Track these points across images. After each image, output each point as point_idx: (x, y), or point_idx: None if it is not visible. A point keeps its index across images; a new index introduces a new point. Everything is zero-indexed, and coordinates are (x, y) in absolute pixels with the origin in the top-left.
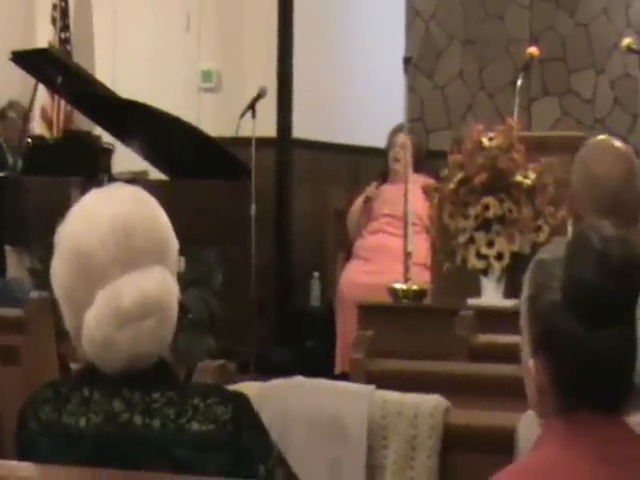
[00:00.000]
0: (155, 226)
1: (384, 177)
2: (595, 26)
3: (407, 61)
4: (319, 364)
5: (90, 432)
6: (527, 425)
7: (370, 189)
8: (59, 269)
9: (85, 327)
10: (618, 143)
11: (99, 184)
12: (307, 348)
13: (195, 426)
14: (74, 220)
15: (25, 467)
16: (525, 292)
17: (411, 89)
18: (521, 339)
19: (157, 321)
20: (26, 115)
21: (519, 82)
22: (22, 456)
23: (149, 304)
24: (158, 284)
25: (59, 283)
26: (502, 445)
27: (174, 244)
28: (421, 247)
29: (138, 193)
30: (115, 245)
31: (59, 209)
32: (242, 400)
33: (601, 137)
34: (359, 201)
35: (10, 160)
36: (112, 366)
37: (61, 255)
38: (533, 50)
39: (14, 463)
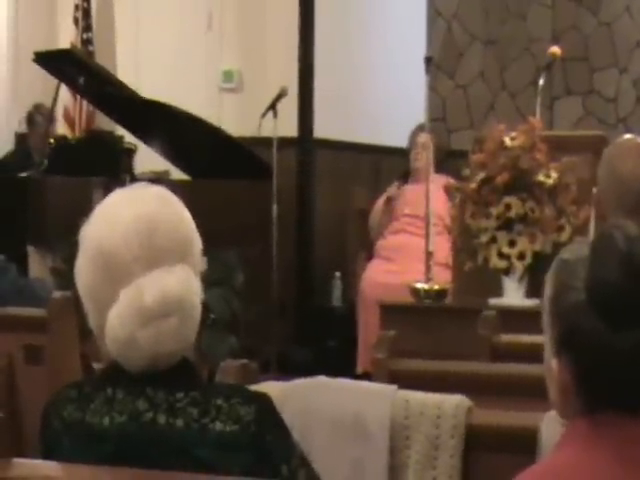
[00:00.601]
0: (178, 225)
1: (405, 177)
2: (618, 25)
3: (428, 61)
4: (340, 364)
5: (113, 431)
6: (550, 425)
7: (391, 189)
8: (83, 268)
9: (108, 326)
10: None
11: (121, 184)
12: (328, 348)
13: (218, 426)
14: (98, 220)
15: (49, 466)
16: (548, 292)
17: (432, 89)
18: (543, 339)
19: (179, 320)
20: (51, 117)
21: (541, 82)
22: (46, 455)
23: (171, 303)
24: (181, 283)
25: (83, 282)
26: (525, 445)
27: (198, 244)
28: (442, 247)
29: (162, 193)
30: (138, 244)
31: (81, 209)
32: (265, 400)
33: (627, 136)
34: (380, 201)
35: (37, 161)
36: (135, 364)
37: (85, 254)
38: (555, 49)
39: (38, 462)
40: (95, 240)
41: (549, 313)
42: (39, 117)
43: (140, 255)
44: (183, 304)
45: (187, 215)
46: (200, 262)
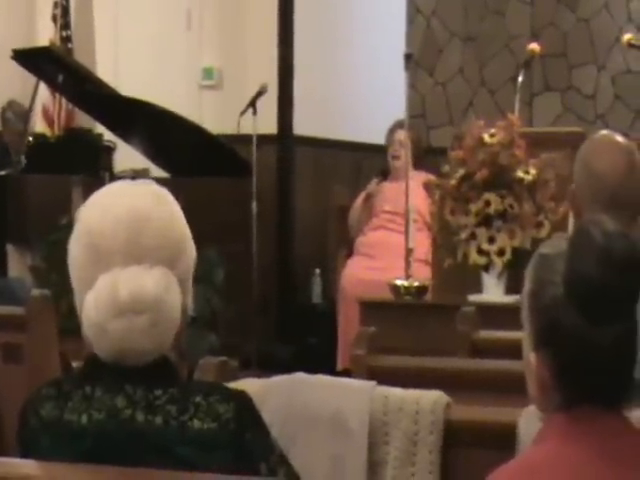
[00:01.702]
0: (169, 229)
1: (385, 174)
2: (596, 21)
3: (408, 58)
4: (321, 361)
5: (92, 429)
6: (528, 420)
7: (371, 186)
8: (72, 246)
9: (85, 306)
10: (620, 138)
11: (100, 182)
12: (309, 345)
13: (197, 424)
14: (94, 203)
15: (27, 464)
16: (527, 287)
17: (412, 86)
18: (523, 334)
19: (151, 320)
20: (26, 114)
21: (520, 78)
22: (24, 454)
23: (144, 301)
24: (157, 284)
25: (71, 260)
26: (503, 440)
27: (188, 250)
28: (422, 244)
29: (161, 193)
30: (125, 237)
31: (61, 207)
32: (244, 398)
33: (603, 132)
34: (360, 198)
35: (14, 159)
36: (104, 352)
37: (75, 234)
38: (534, 46)
39: (16, 460)
40: (86, 222)
41: (528, 308)
42: (11, 114)
43: (124, 248)
44: (158, 305)
45: (181, 221)
46: (188, 270)
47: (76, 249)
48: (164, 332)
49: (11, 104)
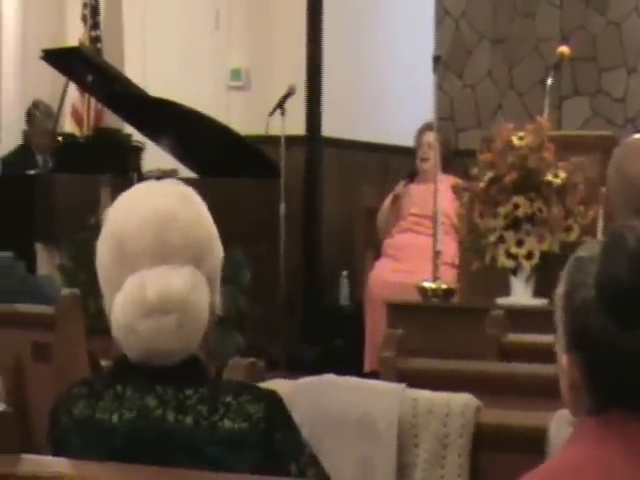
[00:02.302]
0: (195, 228)
1: (412, 176)
2: (626, 25)
3: (437, 60)
4: (347, 363)
5: (123, 428)
6: (559, 424)
7: (398, 188)
8: (100, 249)
9: (114, 309)
10: None
11: (129, 182)
12: (335, 346)
13: (227, 424)
14: (120, 205)
15: (57, 462)
16: (561, 288)
17: (440, 88)
18: (555, 335)
19: (179, 319)
20: (49, 113)
21: (549, 81)
22: (55, 452)
23: (172, 301)
24: (185, 284)
25: (99, 262)
26: (533, 445)
27: (215, 250)
28: (449, 246)
29: (188, 193)
30: (152, 236)
31: (89, 206)
32: (274, 398)
33: (637, 136)
34: (388, 200)
35: (39, 159)
36: (134, 353)
37: (102, 236)
38: (563, 49)
39: (47, 458)
40: (112, 223)
41: (561, 309)
42: (38, 114)
43: (150, 248)
44: (185, 306)
45: (208, 220)
46: (215, 270)
47: (103, 251)
48: (192, 332)
49: (37, 104)
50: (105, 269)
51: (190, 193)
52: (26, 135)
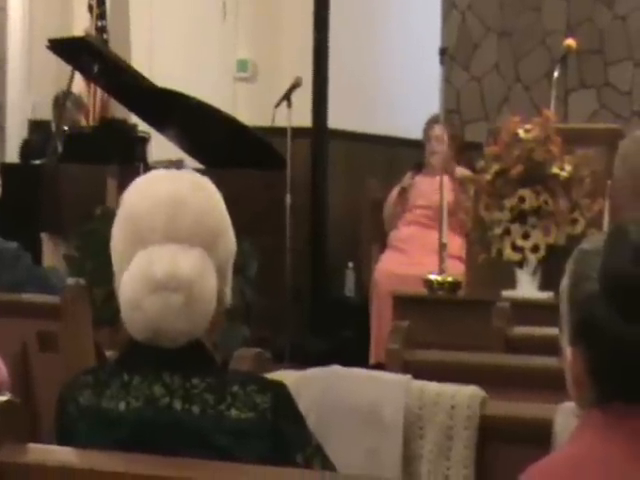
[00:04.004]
0: (207, 215)
1: (419, 168)
2: (633, 18)
3: (443, 52)
4: (353, 354)
5: (130, 416)
6: (564, 417)
7: (405, 179)
8: (114, 230)
9: (121, 286)
10: None
11: (135, 173)
12: (341, 338)
13: (234, 413)
14: (136, 188)
15: (64, 451)
16: (566, 280)
17: (447, 80)
18: (560, 328)
19: (186, 299)
20: (80, 104)
21: (555, 74)
22: (61, 441)
23: (180, 280)
24: (194, 264)
25: (112, 243)
26: (539, 436)
27: (227, 240)
28: (455, 239)
29: (201, 181)
30: (164, 217)
31: (95, 196)
32: (281, 389)
33: None
34: (394, 192)
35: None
36: (140, 332)
37: (117, 218)
38: (570, 42)
39: (53, 447)
40: (127, 204)
41: (566, 302)
42: (69, 104)
43: (162, 228)
44: (192, 286)
45: (219, 209)
46: (225, 259)
47: (117, 231)
48: (198, 313)
49: (67, 94)
50: (117, 247)
51: (204, 181)
52: (48, 124)
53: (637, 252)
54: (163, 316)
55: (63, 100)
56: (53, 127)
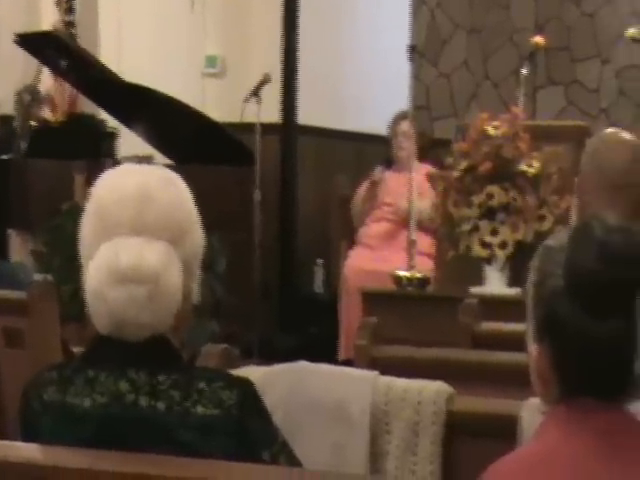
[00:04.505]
0: (175, 210)
1: (389, 163)
2: (600, 16)
3: (412, 49)
4: (322, 350)
5: (95, 412)
6: (530, 412)
7: (376, 173)
8: (83, 223)
9: (87, 276)
10: (628, 136)
11: (103, 168)
12: (310, 334)
13: (200, 410)
14: (105, 180)
15: (28, 448)
16: (531, 277)
17: (416, 77)
18: (526, 324)
19: (150, 292)
20: (40, 99)
21: (524, 71)
22: (25, 437)
23: (144, 273)
24: (159, 257)
25: (80, 235)
26: (505, 432)
27: (194, 236)
28: (422, 237)
29: (172, 176)
30: (131, 210)
31: (63, 192)
32: (247, 386)
33: (611, 130)
34: (363, 187)
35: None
36: (104, 324)
37: (86, 210)
38: (538, 39)
39: (17, 444)
40: (95, 196)
41: (532, 298)
42: (29, 98)
43: (129, 220)
44: (157, 279)
45: (188, 205)
46: (192, 254)
47: (85, 223)
48: (163, 307)
49: (28, 88)
50: (85, 239)
51: (173, 176)
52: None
53: (601, 248)
54: (127, 308)
55: (26, 95)
56: (16, 122)
